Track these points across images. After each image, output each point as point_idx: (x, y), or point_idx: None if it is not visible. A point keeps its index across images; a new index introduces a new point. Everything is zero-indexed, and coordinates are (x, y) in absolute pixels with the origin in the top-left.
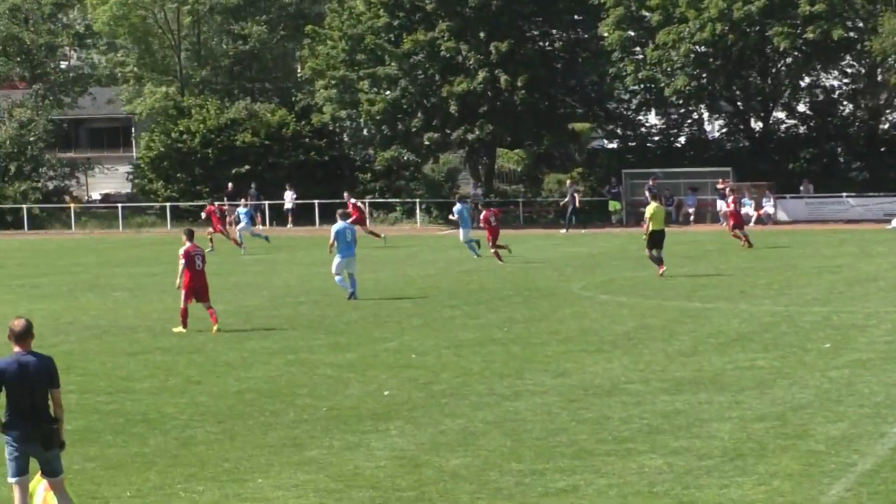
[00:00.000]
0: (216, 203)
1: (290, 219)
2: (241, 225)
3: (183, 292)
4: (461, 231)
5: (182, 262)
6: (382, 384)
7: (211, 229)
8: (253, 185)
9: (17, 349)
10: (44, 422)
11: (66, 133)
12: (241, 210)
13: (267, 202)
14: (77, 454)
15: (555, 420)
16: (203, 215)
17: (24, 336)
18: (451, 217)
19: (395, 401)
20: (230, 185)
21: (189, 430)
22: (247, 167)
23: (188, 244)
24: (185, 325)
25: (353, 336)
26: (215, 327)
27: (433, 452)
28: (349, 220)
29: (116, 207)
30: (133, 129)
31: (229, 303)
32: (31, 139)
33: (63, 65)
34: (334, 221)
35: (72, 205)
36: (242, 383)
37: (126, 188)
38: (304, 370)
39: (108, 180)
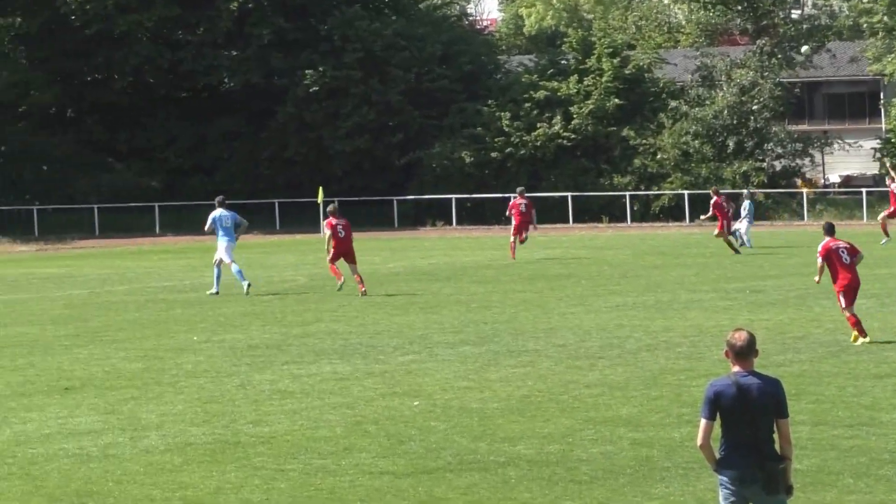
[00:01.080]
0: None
1: None
2: (744, 223)
3: (840, 294)
4: None
5: (819, 259)
6: None
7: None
8: None
9: (735, 368)
10: (767, 460)
11: (797, 100)
12: (747, 203)
13: None
14: (808, 501)
15: None
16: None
17: (745, 353)
18: None
19: None
20: None
21: None
22: None
23: (826, 239)
24: (862, 334)
25: None
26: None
27: None
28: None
29: (859, 193)
30: (881, 95)
31: None
32: (755, 108)
33: (794, 14)
34: None
35: (804, 189)
36: None
37: (872, 169)
38: None
39: (849, 158)
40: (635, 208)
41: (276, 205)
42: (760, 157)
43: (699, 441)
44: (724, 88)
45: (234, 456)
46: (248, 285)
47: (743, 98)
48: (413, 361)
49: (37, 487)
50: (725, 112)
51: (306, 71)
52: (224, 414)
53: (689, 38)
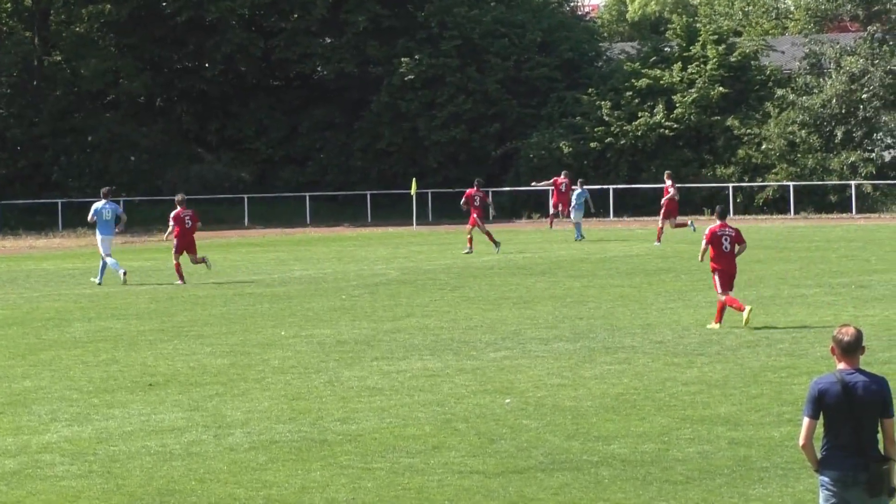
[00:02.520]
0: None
1: None
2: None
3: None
4: None
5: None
6: None
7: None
8: None
9: (841, 366)
10: (871, 461)
11: None
12: (577, 192)
13: None
14: None
15: None
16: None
17: (852, 349)
18: None
19: None
20: None
21: None
22: None
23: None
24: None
25: None
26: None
27: None
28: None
29: None
30: None
31: None
32: (864, 96)
33: None
34: None
35: None
36: None
37: None
38: None
39: None
40: (738, 200)
41: (369, 197)
42: (869, 148)
43: (801, 440)
44: (833, 76)
45: (321, 454)
46: (125, 273)
47: (852, 86)
48: (505, 358)
49: (118, 486)
50: (834, 101)
51: (402, 59)
52: (311, 411)
53: (798, 25)
